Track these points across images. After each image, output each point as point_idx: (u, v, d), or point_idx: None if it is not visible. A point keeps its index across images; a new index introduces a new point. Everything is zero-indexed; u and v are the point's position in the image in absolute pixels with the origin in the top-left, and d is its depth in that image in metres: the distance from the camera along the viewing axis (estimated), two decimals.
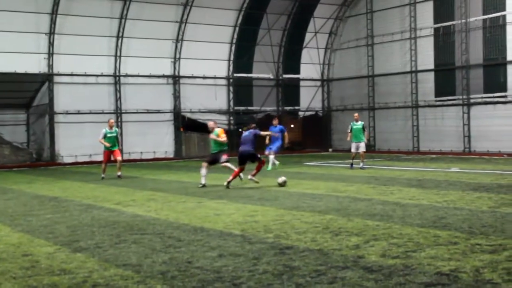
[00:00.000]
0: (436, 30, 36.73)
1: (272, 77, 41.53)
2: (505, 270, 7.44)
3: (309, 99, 42.81)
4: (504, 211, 12.27)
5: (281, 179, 18.75)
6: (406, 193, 15.90)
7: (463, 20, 34.92)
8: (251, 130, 19.34)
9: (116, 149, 24.06)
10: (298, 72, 42.82)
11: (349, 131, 25.44)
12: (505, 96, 33.09)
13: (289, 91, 42.43)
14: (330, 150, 41.66)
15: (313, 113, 43.15)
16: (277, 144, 26.24)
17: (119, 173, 23.67)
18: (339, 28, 42.66)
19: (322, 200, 14.70)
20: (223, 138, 19.77)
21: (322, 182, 19.76)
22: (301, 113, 43.27)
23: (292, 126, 45.06)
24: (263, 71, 41.22)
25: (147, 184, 20.96)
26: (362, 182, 19.14)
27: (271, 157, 26.01)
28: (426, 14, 37.06)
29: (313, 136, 43.47)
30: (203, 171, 19.45)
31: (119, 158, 23.89)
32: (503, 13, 33.23)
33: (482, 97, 34.33)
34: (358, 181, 19.53)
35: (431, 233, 9.95)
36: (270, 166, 25.43)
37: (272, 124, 26.92)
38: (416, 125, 37.55)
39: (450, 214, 12.00)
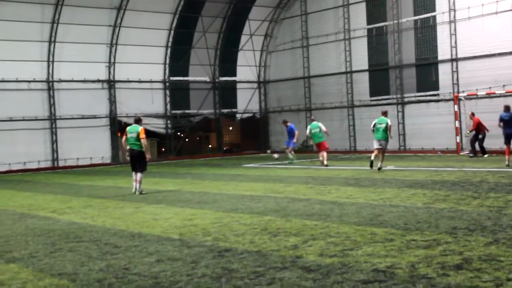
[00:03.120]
0: (369, 31, 37.32)
1: (208, 80, 41.43)
2: (440, 265, 7.59)
3: (246, 101, 42.89)
4: (438, 206, 12.53)
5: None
6: (344, 192, 16.08)
7: (395, 21, 35.59)
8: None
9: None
10: (234, 75, 42.84)
11: (372, 126, 23.74)
12: (437, 95, 33.87)
13: (226, 93, 42.43)
14: (268, 151, 41.84)
15: (250, 115, 43.24)
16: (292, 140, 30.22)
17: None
18: (274, 30, 42.88)
19: (261, 202, 14.72)
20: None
21: (260, 183, 19.80)
22: (238, 116, 43.32)
23: (230, 128, 45.09)
24: (199, 74, 41.06)
25: (84, 190, 20.60)
26: (300, 183, 19.27)
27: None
28: (359, 15, 37.61)
29: (251, 138, 43.59)
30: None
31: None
32: (433, 13, 34.00)
33: (415, 96, 35.05)
34: (296, 182, 19.65)
35: (367, 231, 10.08)
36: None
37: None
38: (352, 124, 38.07)
39: (386, 211, 12.19)
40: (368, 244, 9.05)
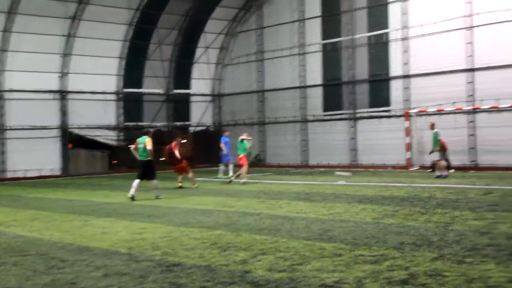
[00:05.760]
0: (324, 46, 37.68)
1: (162, 92, 41.23)
2: (386, 280, 7.68)
3: (200, 114, 42.81)
4: (386, 222, 12.68)
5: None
6: (294, 206, 16.15)
7: (350, 37, 36.02)
8: None
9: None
10: (189, 87, 42.73)
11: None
12: (389, 111, 34.32)
13: (179, 106, 42.25)
14: (221, 165, 41.65)
15: (204, 128, 43.15)
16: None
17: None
18: (230, 43, 42.97)
19: (211, 216, 14.68)
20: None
21: (211, 197, 19.76)
22: (191, 128, 43.17)
23: (183, 141, 44.82)
24: (153, 86, 40.82)
25: (31, 203, 20.22)
26: (251, 197, 19.28)
27: (222, 167, 29.74)
28: (314, 30, 37.95)
29: (204, 151, 43.36)
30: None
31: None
32: (386, 30, 34.52)
33: (367, 112, 35.44)
34: (248, 196, 19.66)
35: (317, 246, 10.13)
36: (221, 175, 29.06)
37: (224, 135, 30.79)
38: (305, 139, 38.26)
39: (336, 226, 12.28)
40: (316, 259, 9.10)
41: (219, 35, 42.34)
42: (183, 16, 40.34)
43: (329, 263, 8.75)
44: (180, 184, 24.20)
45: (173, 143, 25.18)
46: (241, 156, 26.03)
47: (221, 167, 30.15)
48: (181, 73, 42.09)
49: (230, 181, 25.66)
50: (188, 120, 42.74)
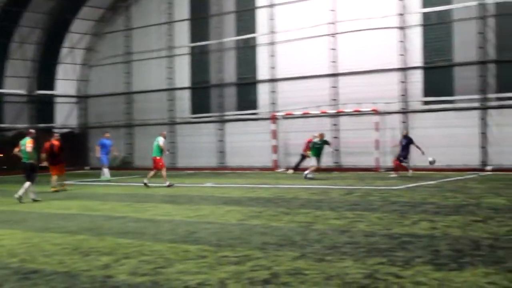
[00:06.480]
0: (192, 49, 37.69)
1: (25, 93, 39.62)
2: (249, 280, 7.76)
3: (65, 116, 41.56)
4: (251, 223, 12.84)
5: None
6: (161, 209, 16.02)
7: (218, 40, 36.24)
8: None
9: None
10: (53, 88, 41.36)
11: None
12: (256, 114, 34.84)
13: (43, 107, 40.75)
14: (86, 168, 40.72)
15: (69, 130, 41.88)
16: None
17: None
18: (97, 44, 42.02)
19: (74, 220, 14.27)
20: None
21: (75, 201, 19.21)
22: (56, 131, 41.77)
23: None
24: (15, 86, 39.13)
25: None
26: (117, 200, 18.94)
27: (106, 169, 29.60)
28: (182, 33, 37.88)
29: (69, 154, 42.10)
30: None
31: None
32: (253, 35, 35.04)
33: (235, 114, 35.80)
34: (113, 199, 19.30)
35: (181, 248, 10.09)
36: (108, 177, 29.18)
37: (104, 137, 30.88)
38: (173, 141, 38.05)
39: (201, 228, 12.29)
40: (180, 261, 9.06)
41: (85, 35, 41.31)
42: (47, 14, 38.97)
43: (193, 265, 8.73)
44: (54, 189, 23.15)
45: (53, 140, 24.13)
46: (158, 158, 24.39)
47: (105, 169, 29.78)
48: (45, 74, 40.58)
49: (145, 184, 23.82)
50: (52, 122, 41.33)
